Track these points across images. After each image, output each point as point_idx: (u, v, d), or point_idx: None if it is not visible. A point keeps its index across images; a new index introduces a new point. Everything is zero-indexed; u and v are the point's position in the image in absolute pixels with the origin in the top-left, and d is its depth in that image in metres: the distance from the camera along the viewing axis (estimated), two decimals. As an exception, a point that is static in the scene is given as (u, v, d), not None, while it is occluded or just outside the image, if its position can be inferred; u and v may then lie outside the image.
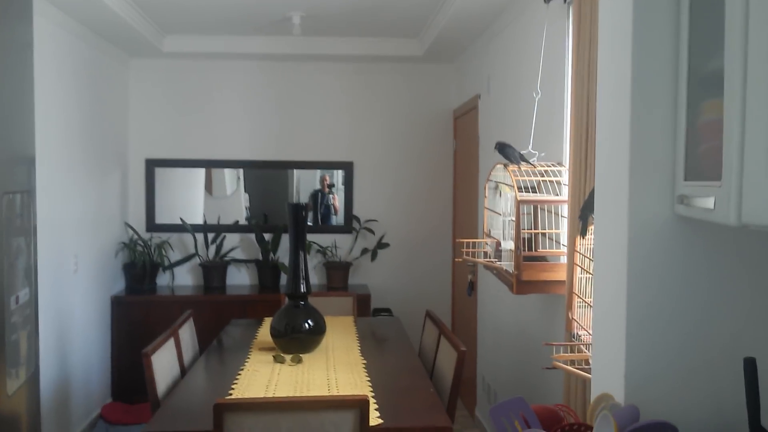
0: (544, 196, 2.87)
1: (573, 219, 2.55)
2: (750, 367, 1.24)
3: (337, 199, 5.43)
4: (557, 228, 3.04)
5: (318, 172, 5.43)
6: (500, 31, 4.04)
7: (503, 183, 3.08)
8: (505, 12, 3.84)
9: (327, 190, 5.42)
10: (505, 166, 2.96)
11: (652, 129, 1.34)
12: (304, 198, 5.45)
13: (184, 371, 3.13)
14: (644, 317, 1.36)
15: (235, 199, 5.40)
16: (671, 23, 1.32)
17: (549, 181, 2.96)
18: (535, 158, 3.08)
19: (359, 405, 2.10)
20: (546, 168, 3.00)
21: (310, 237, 5.02)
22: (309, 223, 5.36)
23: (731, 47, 1.04)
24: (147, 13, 4.29)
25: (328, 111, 5.42)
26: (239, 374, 2.83)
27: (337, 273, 5.18)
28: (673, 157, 1.34)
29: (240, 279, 5.38)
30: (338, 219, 5.44)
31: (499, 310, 4.06)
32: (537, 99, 3.16)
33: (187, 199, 5.39)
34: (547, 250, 2.97)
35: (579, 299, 2.15)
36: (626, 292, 1.36)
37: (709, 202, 1.13)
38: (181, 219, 5.24)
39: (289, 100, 5.38)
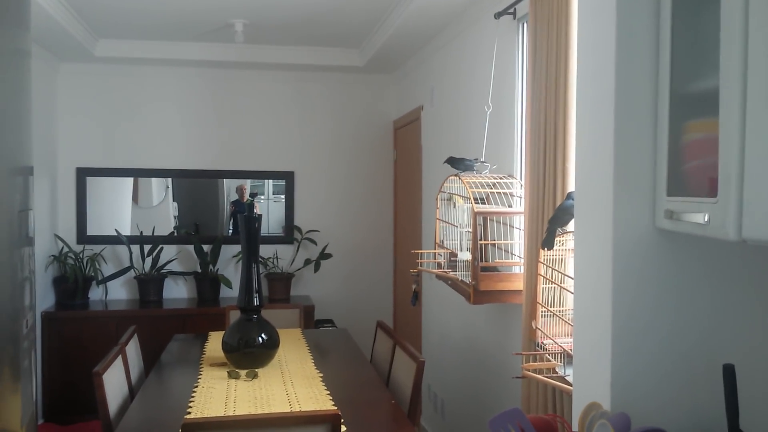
0: (500, 208, 2.94)
1: (530, 230, 2.62)
2: (729, 373, 1.31)
3: (259, 208, 5.36)
4: (507, 238, 3.11)
5: (248, 182, 5.34)
6: (445, 44, 4.10)
7: (457, 194, 3.13)
8: (450, 26, 3.90)
9: (246, 199, 5.34)
10: (459, 177, 3.00)
11: (634, 147, 1.40)
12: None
13: (132, 390, 3.01)
14: (628, 326, 1.41)
15: (162, 209, 5.25)
16: (652, 45, 1.38)
17: (499, 192, 3.03)
18: (487, 170, 3.14)
19: (331, 420, 2.08)
20: (496, 180, 3.07)
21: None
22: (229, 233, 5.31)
23: (728, 67, 1.09)
24: (81, 16, 4.12)
25: (268, 120, 5.35)
26: (194, 392, 2.74)
27: (279, 284, 5.12)
28: (654, 174, 1.41)
29: (177, 292, 5.22)
30: (264, 228, 5.36)
31: (447, 320, 4.10)
32: (488, 112, 3.23)
33: (119, 209, 5.19)
34: (502, 260, 3.04)
35: (543, 309, 2.21)
36: (611, 303, 1.41)
37: (700, 218, 1.18)
38: (116, 230, 5.04)
39: (228, 109, 5.28)
